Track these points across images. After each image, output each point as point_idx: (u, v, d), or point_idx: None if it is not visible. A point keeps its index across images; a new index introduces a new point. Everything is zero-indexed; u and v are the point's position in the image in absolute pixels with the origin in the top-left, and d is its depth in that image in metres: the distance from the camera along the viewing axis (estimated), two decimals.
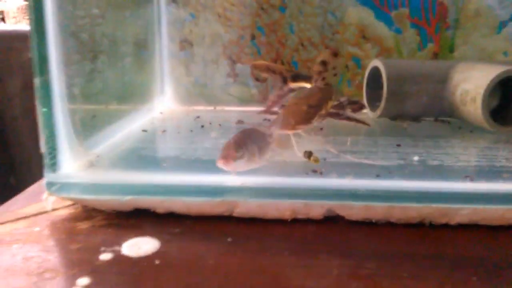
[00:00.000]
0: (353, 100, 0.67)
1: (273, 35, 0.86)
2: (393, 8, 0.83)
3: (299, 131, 0.56)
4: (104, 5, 0.59)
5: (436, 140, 0.64)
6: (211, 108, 0.89)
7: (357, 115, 0.69)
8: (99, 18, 0.57)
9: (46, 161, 0.47)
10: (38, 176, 0.57)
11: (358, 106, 0.67)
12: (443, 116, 0.76)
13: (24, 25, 1.37)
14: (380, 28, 0.84)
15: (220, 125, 0.73)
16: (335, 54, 0.65)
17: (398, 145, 0.61)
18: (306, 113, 0.57)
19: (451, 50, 0.83)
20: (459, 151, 0.60)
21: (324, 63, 0.65)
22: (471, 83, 0.68)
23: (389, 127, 0.74)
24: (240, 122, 0.73)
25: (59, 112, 0.46)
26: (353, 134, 0.66)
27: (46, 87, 0.45)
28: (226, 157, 0.45)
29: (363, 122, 0.67)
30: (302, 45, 0.86)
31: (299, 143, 0.56)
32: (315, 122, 0.59)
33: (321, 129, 0.66)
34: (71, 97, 0.48)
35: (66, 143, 0.47)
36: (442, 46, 0.84)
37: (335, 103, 0.67)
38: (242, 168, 0.46)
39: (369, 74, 0.79)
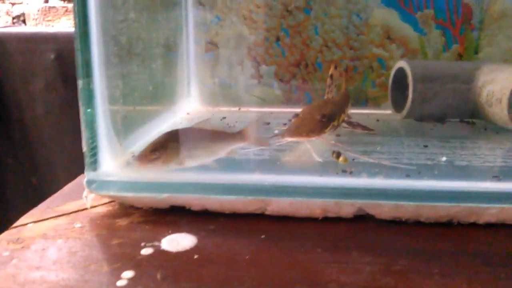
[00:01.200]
0: (363, 125, 0.69)
1: (297, 36, 0.87)
2: (418, 9, 0.83)
3: (312, 139, 0.57)
4: (139, 9, 0.61)
5: (462, 141, 0.65)
6: (236, 109, 0.90)
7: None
8: (135, 22, 0.60)
9: (87, 160, 0.48)
10: (60, 176, 0.59)
11: (367, 129, 0.69)
12: (469, 117, 0.76)
13: (45, 27, 1.39)
14: (405, 29, 0.84)
15: None
16: (335, 67, 0.70)
17: (425, 146, 0.61)
18: (319, 122, 0.57)
19: (476, 51, 0.84)
20: (486, 152, 0.61)
21: (331, 77, 0.69)
22: (497, 84, 0.68)
23: (415, 128, 0.75)
24: (265, 123, 0.74)
25: (100, 112, 0.48)
26: (379, 136, 0.67)
27: (89, 88, 0.47)
28: (139, 158, 0.46)
29: (368, 129, 0.68)
30: (327, 46, 0.87)
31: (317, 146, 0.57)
32: (328, 132, 0.60)
33: (339, 135, 0.67)
34: (111, 98, 0.50)
35: (106, 142, 0.49)
36: (467, 47, 0.84)
37: (346, 119, 0.69)
38: (159, 169, 0.47)
39: (394, 75, 0.79)
